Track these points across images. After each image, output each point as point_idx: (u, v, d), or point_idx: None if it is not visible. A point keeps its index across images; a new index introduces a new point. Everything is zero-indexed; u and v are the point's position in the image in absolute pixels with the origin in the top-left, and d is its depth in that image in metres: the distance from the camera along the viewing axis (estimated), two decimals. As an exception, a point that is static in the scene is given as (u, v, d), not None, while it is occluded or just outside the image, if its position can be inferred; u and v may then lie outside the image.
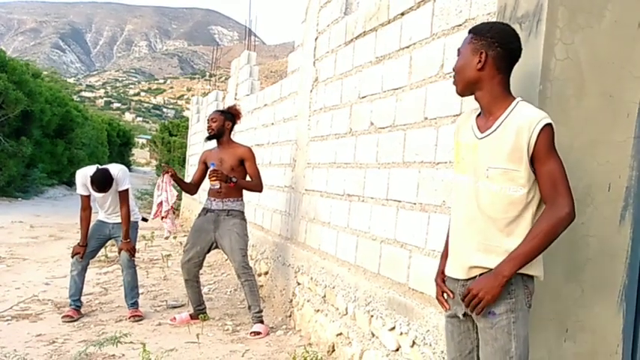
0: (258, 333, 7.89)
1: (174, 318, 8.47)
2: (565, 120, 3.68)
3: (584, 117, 3.61)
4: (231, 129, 8.71)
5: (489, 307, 3.28)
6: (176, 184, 8.55)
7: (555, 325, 3.72)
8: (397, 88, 5.88)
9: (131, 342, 7.19)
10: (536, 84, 3.66)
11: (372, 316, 5.90)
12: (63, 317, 8.34)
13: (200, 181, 8.91)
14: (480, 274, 3.31)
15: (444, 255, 3.72)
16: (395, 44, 6.01)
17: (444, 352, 4.58)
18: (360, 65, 6.87)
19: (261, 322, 8.15)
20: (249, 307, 8.24)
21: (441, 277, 3.68)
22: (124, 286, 8.86)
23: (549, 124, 3.19)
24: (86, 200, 8.51)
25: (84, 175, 8.31)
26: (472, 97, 3.54)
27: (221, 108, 9.75)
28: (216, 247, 8.54)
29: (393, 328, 5.42)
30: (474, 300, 3.27)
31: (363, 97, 6.71)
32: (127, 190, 8.53)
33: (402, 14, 5.88)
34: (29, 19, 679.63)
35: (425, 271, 5.08)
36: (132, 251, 8.69)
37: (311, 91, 8.53)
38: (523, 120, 3.22)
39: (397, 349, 5.36)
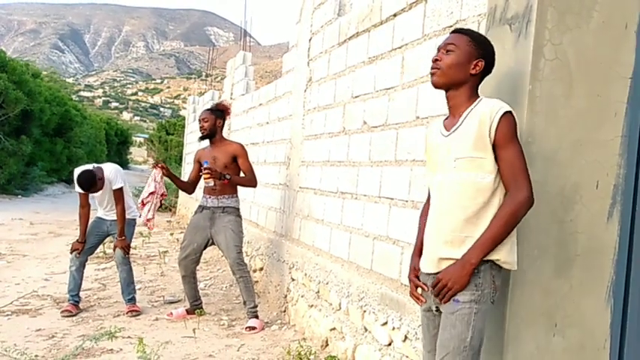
0: (254, 328, 7.88)
1: (171, 313, 8.47)
2: (554, 119, 3.67)
3: (573, 116, 3.61)
4: (222, 126, 8.66)
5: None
6: (169, 180, 8.58)
7: (544, 320, 3.71)
8: (389, 88, 5.88)
9: (129, 336, 7.21)
10: (525, 84, 3.65)
11: (364, 311, 5.90)
12: (62, 312, 8.37)
13: (196, 180, 8.86)
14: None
15: (416, 252, 3.77)
16: (387, 45, 6.00)
17: (435, 347, 4.58)
18: (353, 65, 6.86)
19: (256, 317, 8.13)
20: (245, 303, 8.23)
21: (414, 273, 3.72)
22: (120, 283, 8.89)
23: (509, 112, 3.31)
24: (84, 198, 8.52)
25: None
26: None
27: (210, 106, 9.30)
28: (213, 243, 8.51)
29: (386, 323, 5.43)
30: (444, 289, 3.33)
31: (356, 97, 6.70)
32: (120, 189, 8.54)
33: (395, 15, 5.88)
34: (29, 20, 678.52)
35: (417, 267, 5.06)
36: (126, 248, 8.74)
37: (305, 90, 8.52)
38: (484, 109, 3.34)
39: (389, 344, 5.37)
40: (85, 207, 8.59)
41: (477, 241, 3.28)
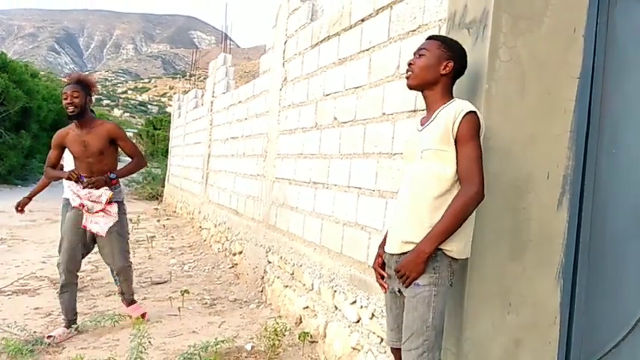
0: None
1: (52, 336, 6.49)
2: (508, 116, 3.68)
3: (526, 113, 3.60)
4: (91, 103, 6.85)
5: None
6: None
7: (499, 300, 3.71)
8: (358, 87, 5.83)
9: (119, 314, 7.15)
10: (482, 83, 3.65)
11: (335, 291, 5.88)
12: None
13: (56, 167, 7.20)
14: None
15: (382, 245, 3.76)
16: (356, 47, 5.96)
17: (399, 324, 4.57)
18: (324, 66, 6.81)
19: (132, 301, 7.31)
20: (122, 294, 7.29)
21: (378, 262, 3.71)
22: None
23: (472, 112, 3.29)
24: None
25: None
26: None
27: (73, 78, 6.90)
28: (95, 242, 6.94)
29: (354, 302, 5.41)
30: (404, 277, 3.32)
31: (327, 95, 6.66)
32: None
33: (362, 20, 5.84)
34: (28, 24, 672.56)
35: (383, 251, 5.05)
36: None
37: (280, 89, 8.46)
38: (452, 109, 3.34)
39: (358, 321, 5.35)
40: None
41: (430, 231, 3.27)
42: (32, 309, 7.58)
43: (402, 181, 3.62)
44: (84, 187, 6.56)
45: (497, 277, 3.72)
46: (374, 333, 5.01)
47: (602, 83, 3.83)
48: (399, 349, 3.56)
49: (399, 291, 3.50)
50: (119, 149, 7.00)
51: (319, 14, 7.59)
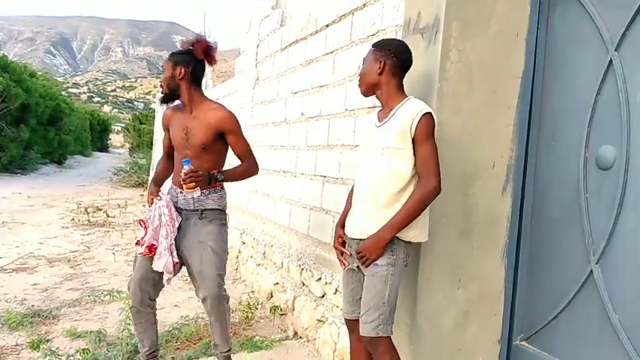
0: None
1: None
2: (458, 111, 3.66)
3: (474, 109, 3.58)
4: (194, 77, 4.49)
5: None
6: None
7: (450, 277, 3.70)
8: (323, 86, 5.79)
9: (109, 290, 7.11)
10: (434, 82, 3.63)
11: (302, 269, 5.86)
12: None
13: (171, 152, 4.85)
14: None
15: (341, 224, 3.74)
16: (321, 50, 5.91)
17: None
18: (293, 67, 6.76)
19: None
20: (215, 345, 4.67)
21: (339, 241, 3.70)
22: None
23: (429, 113, 3.26)
24: None
25: None
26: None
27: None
28: (183, 264, 4.64)
29: (320, 278, 5.39)
30: (363, 258, 3.32)
31: (295, 93, 6.61)
32: None
33: (327, 26, 5.78)
34: (26, 29, 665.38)
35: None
36: None
37: (253, 88, 8.39)
38: (409, 109, 3.30)
39: (323, 296, 5.34)
40: None
41: (391, 220, 3.26)
42: (31, 285, 7.56)
43: (360, 170, 3.58)
44: (183, 178, 4.14)
45: (448, 255, 3.72)
46: (337, 307, 4.99)
47: (543, 82, 3.81)
48: (353, 320, 3.60)
49: (358, 267, 3.49)
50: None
51: (288, 20, 7.53)
